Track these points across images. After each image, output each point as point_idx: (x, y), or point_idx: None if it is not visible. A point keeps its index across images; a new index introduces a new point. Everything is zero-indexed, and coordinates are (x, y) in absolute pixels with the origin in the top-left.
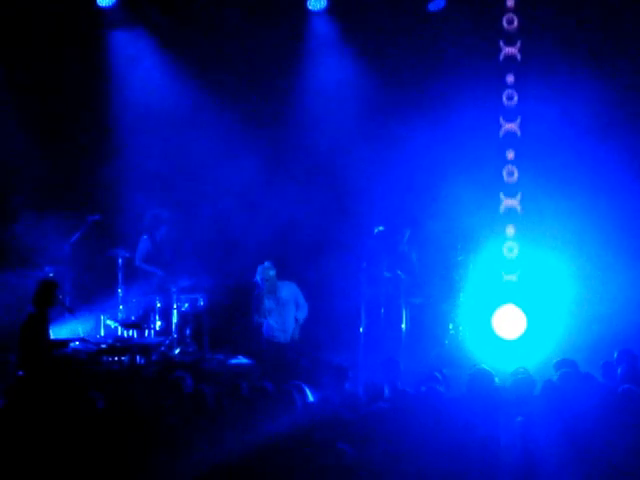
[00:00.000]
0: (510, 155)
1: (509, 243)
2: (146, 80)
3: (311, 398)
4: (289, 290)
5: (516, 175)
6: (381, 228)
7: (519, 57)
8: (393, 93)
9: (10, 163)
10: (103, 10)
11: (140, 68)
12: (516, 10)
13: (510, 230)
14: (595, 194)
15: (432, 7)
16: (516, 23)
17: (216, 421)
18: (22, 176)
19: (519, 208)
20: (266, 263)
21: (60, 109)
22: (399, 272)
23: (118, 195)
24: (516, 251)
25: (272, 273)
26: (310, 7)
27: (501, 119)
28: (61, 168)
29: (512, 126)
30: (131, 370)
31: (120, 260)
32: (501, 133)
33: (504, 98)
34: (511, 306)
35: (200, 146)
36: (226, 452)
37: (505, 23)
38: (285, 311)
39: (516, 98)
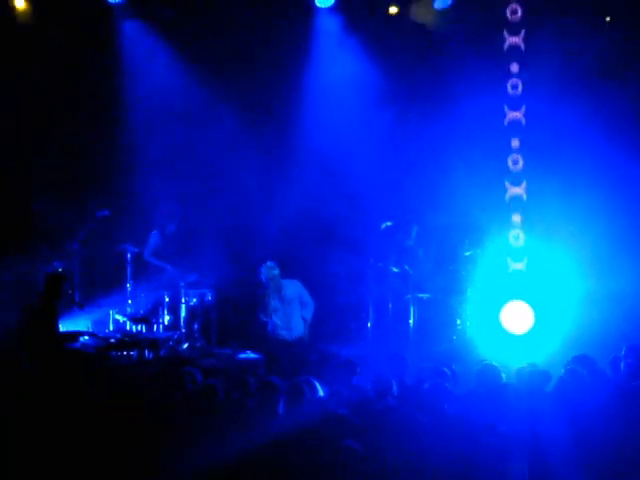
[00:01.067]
0: (515, 143)
1: (515, 231)
2: (156, 75)
3: (321, 393)
4: (293, 288)
5: (521, 163)
6: (389, 223)
7: (523, 47)
8: (399, 85)
9: (20, 157)
10: (113, 6)
11: (149, 63)
12: (519, 0)
13: (516, 218)
14: (600, 182)
15: (438, 5)
16: (520, 13)
17: (225, 416)
18: (31, 171)
19: (524, 196)
20: (269, 263)
21: (69, 104)
22: (406, 267)
23: (127, 190)
24: (522, 239)
25: (276, 272)
26: (317, 4)
27: (506, 108)
28: (70, 163)
29: (517, 114)
30: (139, 365)
31: (129, 255)
32: (506, 122)
33: (509, 87)
34: (519, 302)
35: (209, 141)
36: (235, 448)
37: (509, 13)
38: (290, 309)
39: (521, 87)
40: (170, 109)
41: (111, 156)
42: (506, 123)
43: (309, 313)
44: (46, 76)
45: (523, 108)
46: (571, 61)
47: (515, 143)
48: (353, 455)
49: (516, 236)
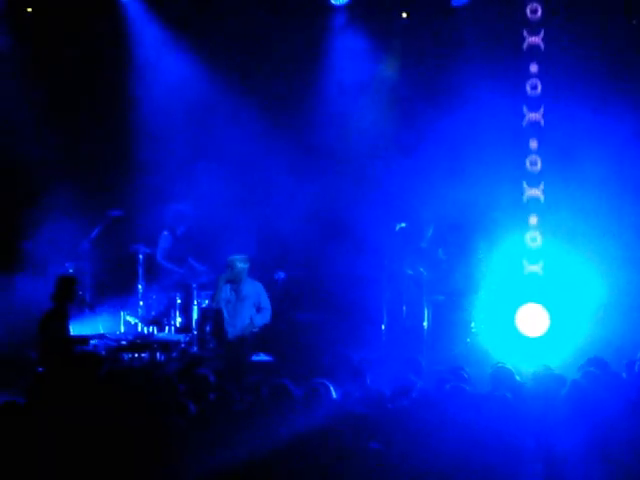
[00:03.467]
0: (533, 144)
1: (532, 233)
2: (171, 74)
3: (335, 395)
4: (253, 288)
5: (539, 165)
6: (403, 225)
7: (543, 46)
8: (415, 84)
9: (32, 157)
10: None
11: (162, 61)
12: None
13: (533, 220)
14: (619, 184)
15: (455, 2)
16: (540, 12)
17: (239, 419)
18: (43, 170)
19: (542, 198)
20: (242, 255)
21: (81, 103)
22: (421, 269)
23: (139, 190)
24: (539, 241)
25: (242, 266)
26: (333, 1)
27: (524, 108)
28: (82, 163)
29: (536, 115)
30: (151, 367)
31: (141, 256)
32: (524, 123)
33: (528, 87)
34: (534, 304)
35: (224, 140)
36: (250, 451)
37: (529, 12)
38: (240, 306)
39: (540, 87)
40: (184, 108)
41: (124, 155)
42: (525, 124)
43: (262, 319)
44: (59, 73)
45: (542, 109)
46: (591, 62)
47: (533, 144)
48: (377, 458)
49: (533, 238)
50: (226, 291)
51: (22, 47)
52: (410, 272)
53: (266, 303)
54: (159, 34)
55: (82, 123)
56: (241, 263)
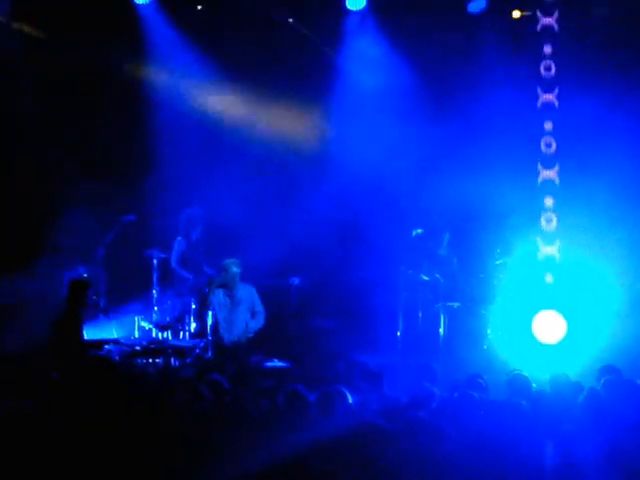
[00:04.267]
0: (548, 126)
1: (547, 214)
2: (185, 77)
3: (350, 402)
4: (246, 292)
5: (554, 146)
6: (419, 231)
7: (556, 27)
8: (430, 80)
9: (46, 161)
10: (140, 7)
11: (178, 64)
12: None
13: (548, 201)
14: (636, 165)
15: (472, 9)
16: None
17: (254, 426)
18: (57, 175)
19: (557, 180)
20: (234, 259)
21: (95, 107)
22: (437, 276)
23: (154, 195)
24: (554, 222)
25: (235, 270)
26: (349, 7)
27: (539, 90)
28: (96, 168)
29: (550, 97)
30: (165, 372)
31: (155, 261)
32: (539, 104)
33: (542, 69)
34: (551, 311)
35: (239, 145)
36: (266, 458)
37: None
38: (236, 311)
39: (554, 69)
40: (200, 111)
41: (139, 159)
42: (539, 105)
43: (257, 324)
44: (76, 75)
45: (556, 90)
46: (607, 42)
47: (548, 126)
48: (392, 465)
49: (548, 219)
50: (219, 295)
51: (37, 48)
52: (426, 278)
53: (260, 306)
54: (175, 37)
55: (98, 128)
56: (235, 267)
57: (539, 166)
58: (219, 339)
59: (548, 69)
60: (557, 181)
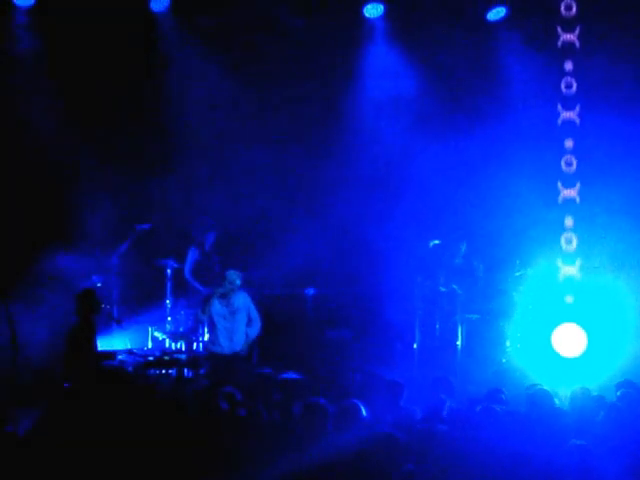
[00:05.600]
0: (569, 144)
1: (567, 234)
2: (200, 86)
3: (365, 415)
4: (242, 299)
5: (575, 165)
6: (437, 241)
7: (578, 44)
8: (449, 92)
9: (61, 170)
10: (156, 15)
11: (194, 73)
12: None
13: (569, 221)
14: None
15: (491, 17)
16: (575, 9)
17: (268, 439)
18: (72, 184)
19: (578, 199)
20: (237, 272)
21: (111, 116)
22: (455, 287)
23: (169, 204)
24: (575, 243)
25: (238, 282)
26: (366, 14)
27: (559, 107)
28: (111, 176)
29: (571, 114)
30: (179, 383)
31: (169, 271)
32: (559, 121)
33: (562, 86)
34: (571, 324)
35: (253, 155)
36: (282, 472)
37: (563, 9)
38: (235, 319)
39: (575, 86)
40: (213, 123)
41: (155, 168)
42: (559, 123)
43: (254, 331)
44: (92, 84)
45: (577, 108)
46: (628, 59)
47: (569, 144)
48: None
49: (569, 239)
50: (216, 305)
51: (53, 57)
52: (443, 289)
53: (255, 313)
54: (191, 47)
55: (113, 138)
56: (238, 279)
57: (559, 185)
58: (220, 349)
59: (569, 86)
60: (578, 200)
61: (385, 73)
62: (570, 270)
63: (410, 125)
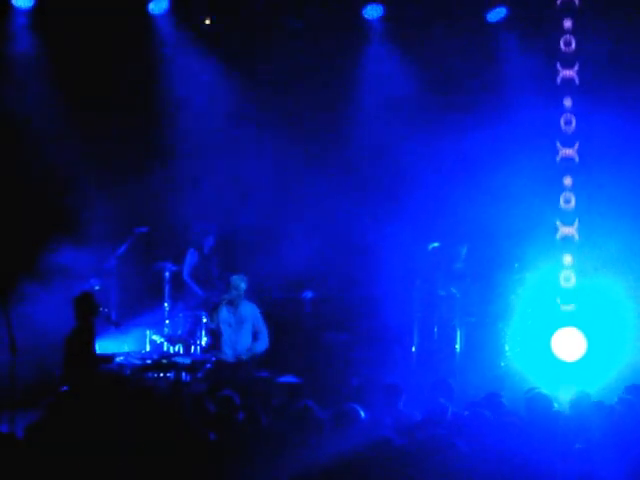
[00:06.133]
0: (567, 181)
1: (566, 272)
2: (199, 89)
3: (363, 419)
4: (250, 310)
5: (573, 202)
6: (436, 244)
7: (577, 80)
8: (448, 101)
9: (57, 172)
10: (154, 17)
11: (193, 76)
12: (574, 32)
13: (567, 259)
14: None
15: (491, 18)
16: (574, 45)
17: (266, 443)
18: (69, 187)
19: (576, 236)
20: (242, 275)
21: (108, 118)
22: (454, 290)
23: (167, 206)
24: (573, 280)
25: (243, 286)
26: (366, 16)
27: (558, 144)
28: (108, 178)
29: (570, 152)
30: (176, 387)
31: (167, 274)
32: (558, 158)
33: (562, 123)
34: (571, 328)
35: (251, 158)
36: (276, 473)
37: (562, 45)
38: (240, 328)
39: (574, 123)
40: (213, 124)
41: (152, 170)
42: (558, 160)
43: (261, 346)
44: (88, 86)
45: (576, 145)
46: (628, 95)
47: (568, 181)
48: None
49: (567, 277)
50: (224, 312)
51: (52, 58)
52: (442, 293)
53: (262, 326)
54: (189, 49)
55: (112, 140)
56: (244, 283)
57: (558, 222)
58: (224, 356)
59: (568, 123)
60: (576, 238)
61: (384, 74)
62: (569, 308)
63: (409, 127)
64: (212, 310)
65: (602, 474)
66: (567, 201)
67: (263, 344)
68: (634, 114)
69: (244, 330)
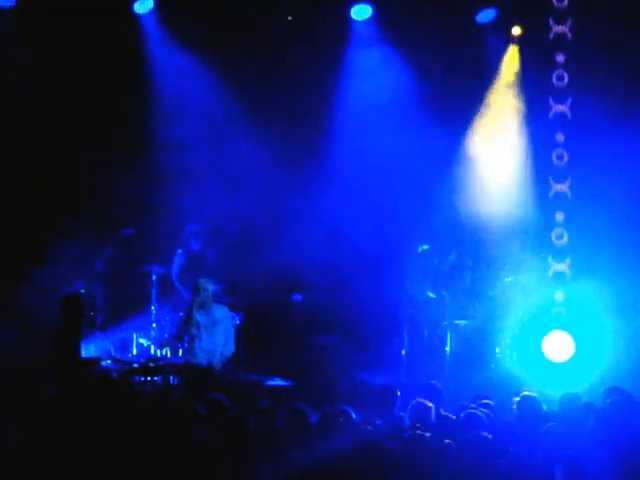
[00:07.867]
0: (560, 138)
1: (558, 229)
2: (184, 90)
3: (354, 422)
4: (222, 312)
5: (566, 158)
6: (425, 247)
7: (570, 36)
8: (436, 102)
9: (46, 174)
10: (140, 17)
11: (177, 76)
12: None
13: (559, 216)
14: None
15: (480, 19)
16: (566, 79)
17: (255, 446)
18: (54, 189)
19: (569, 193)
20: (209, 278)
21: (92, 120)
22: (443, 293)
23: (152, 208)
24: (565, 238)
25: (211, 288)
26: (354, 16)
27: (551, 100)
28: (93, 180)
29: (562, 107)
30: (164, 391)
31: (154, 276)
32: (551, 115)
33: (554, 78)
34: (560, 330)
35: (239, 159)
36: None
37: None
38: (214, 331)
39: (567, 78)
40: (200, 125)
41: (138, 172)
42: (551, 116)
43: (230, 349)
44: (73, 89)
45: (569, 101)
46: (621, 51)
47: (560, 137)
48: None
49: (559, 235)
50: (196, 315)
51: (35, 58)
52: (432, 295)
53: (231, 331)
54: (174, 48)
55: (98, 142)
56: (211, 285)
57: (550, 180)
58: (195, 359)
59: (561, 79)
60: (569, 195)
61: (373, 75)
62: (560, 267)
63: (399, 128)
64: (186, 313)
65: (591, 474)
66: (560, 157)
67: (230, 348)
68: (628, 69)
69: (217, 332)
